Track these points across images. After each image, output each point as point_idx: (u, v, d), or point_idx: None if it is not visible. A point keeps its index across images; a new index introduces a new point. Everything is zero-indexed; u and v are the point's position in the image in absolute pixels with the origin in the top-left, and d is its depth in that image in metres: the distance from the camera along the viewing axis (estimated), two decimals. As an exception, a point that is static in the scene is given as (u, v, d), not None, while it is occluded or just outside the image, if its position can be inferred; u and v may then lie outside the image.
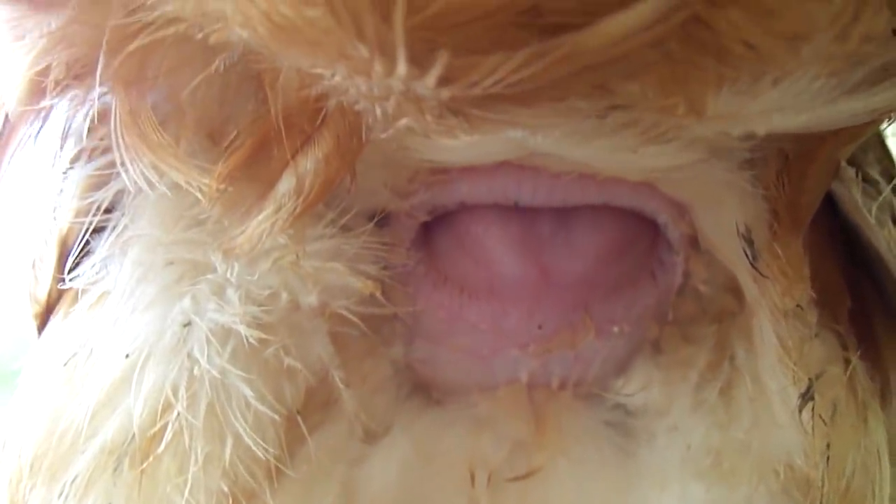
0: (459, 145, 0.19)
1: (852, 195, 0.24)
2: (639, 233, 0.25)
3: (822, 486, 0.22)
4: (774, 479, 0.23)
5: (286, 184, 0.20)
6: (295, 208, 0.20)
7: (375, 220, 0.23)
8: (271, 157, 0.20)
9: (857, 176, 0.24)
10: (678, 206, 0.24)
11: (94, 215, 0.23)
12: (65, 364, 0.24)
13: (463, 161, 0.22)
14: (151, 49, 0.20)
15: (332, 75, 0.18)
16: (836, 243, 0.25)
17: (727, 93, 0.18)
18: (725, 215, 0.23)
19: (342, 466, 0.25)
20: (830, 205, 0.25)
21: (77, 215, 0.24)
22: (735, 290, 0.25)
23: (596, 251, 0.24)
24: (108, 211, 0.24)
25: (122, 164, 0.21)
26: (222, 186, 0.20)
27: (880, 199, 0.24)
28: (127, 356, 0.23)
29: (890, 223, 0.25)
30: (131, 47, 0.19)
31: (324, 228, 0.23)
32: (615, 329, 0.25)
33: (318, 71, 0.18)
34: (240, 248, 0.21)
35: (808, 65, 0.18)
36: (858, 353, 0.24)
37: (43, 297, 0.26)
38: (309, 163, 0.20)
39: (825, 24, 0.17)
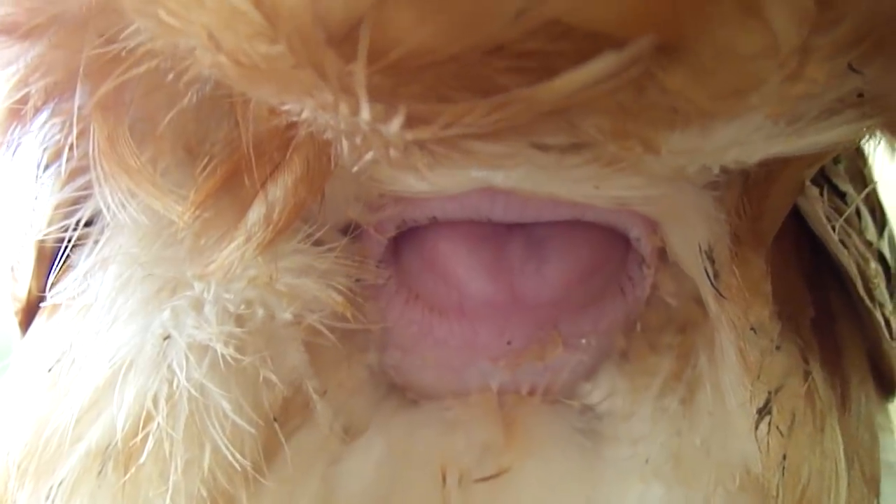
0: (425, 178, 0.20)
1: (817, 213, 0.24)
2: (610, 251, 0.25)
3: (778, 495, 0.23)
4: (731, 482, 0.24)
5: (256, 213, 0.21)
6: (264, 238, 0.20)
7: (349, 234, 0.24)
8: (242, 186, 0.21)
9: (822, 192, 0.24)
10: (650, 222, 0.24)
11: (74, 230, 0.24)
12: (49, 370, 0.24)
13: (429, 192, 0.22)
14: (132, 76, 0.20)
15: (301, 111, 0.19)
16: (802, 250, 0.26)
17: (680, 133, 0.18)
18: (691, 233, 0.24)
19: (321, 465, 0.25)
20: (797, 212, 0.25)
21: (53, 222, 0.24)
22: (701, 301, 0.25)
23: (567, 276, 0.25)
24: (88, 224, 0.24)
25: (100, 188, 0.21)
26: (196, 213, 0.21)
27: (847, 212, 0.24)
28: (110, 364, 0.23)
29: (855, 236, 0.25)
30: (108, 83, 0.19)
31: (298, 243, 0.23)
32: (583, 341, 0.26)
33: (287, 107, 0.19)
34: (213, 275, 0.21)
35: (757, 108, 0.18)
36: (819, 362, 0.24)
37: (23, 295, 0.27)
38: (278, 190, 0.20)
39: (771, 75, 0.17)
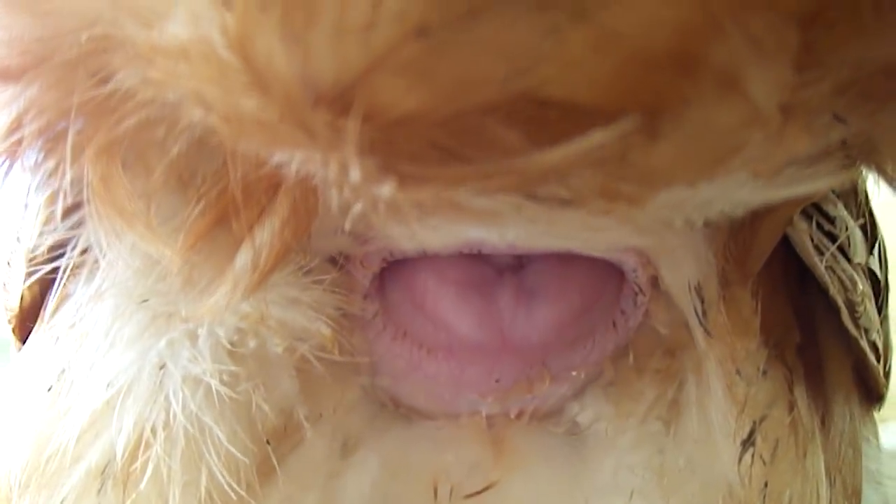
0: (414, 235, 0.20)
1: (804, 243, 0.24)
2: (603, 288, 0.26)
3: (759, 522, 0.24)
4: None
5: (243, 258, 0.21)
6: (251, 282, 0.21)
7: (337, 266, 0.24)
8: (231, 229, 0.21)
9: (811, 223, 0.24)
10: (643, 254, 0.25)
11: (70, 258, 0.24)
12: (49, 389, 0.25)
13: (417, 247, 0.23)
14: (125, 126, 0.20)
15: (289, 162, 0.19)
16: (790, 273, 0.26)
17: (665, 192, 0.18)
18: (681, 271, 0.24)
19: (321, 480, 0.26)
20: (785, 237, 0.25)
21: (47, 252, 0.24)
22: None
23: (557, 319, 0.25)
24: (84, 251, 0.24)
25: (94, 228, 0.21)
26: (186, 257, 0.21)
27: (839, 241, 0.25)
28: (108, 388, 0.24)
29: (843, 260, 0.25)
30: (102, 132, 0.20)
31: (287, 275, 0.23)
32: (573, 374, 0.26)
33: (275, 159, 0.19)
34: (203, 318, 0.22)
35: (740, 169, 0.18)
36: (804, 386, 0.25)
37: (14, 305, 0.27)
38: (265, 234, 0.21)
39: (752, 139, 0.17)
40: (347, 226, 0.19)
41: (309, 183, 0.20)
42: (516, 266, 0.26)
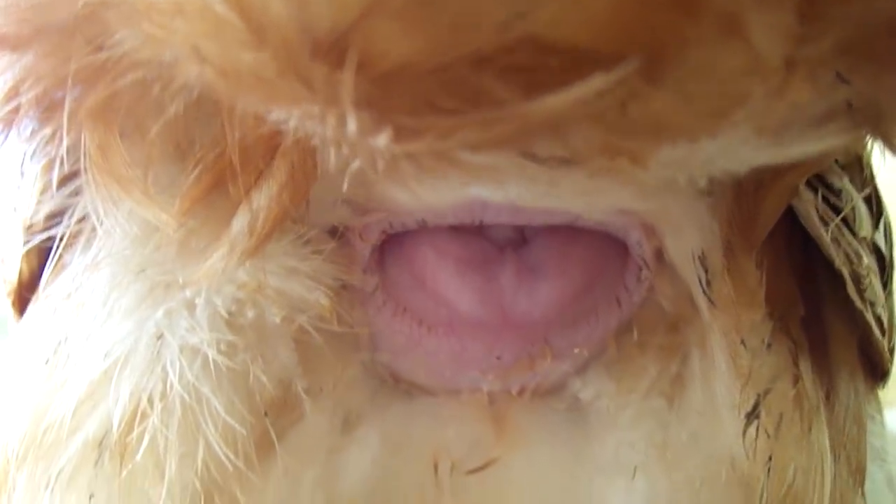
0: (413, 192, 0.20)
1: (810, 214, 0.24)
2: (606, 265, 0.25)
3: (763, 495, 0.23)
4: (717, 478, 0.25)
5: (240, 222, 0.21)
6: (248, 247, 0.20)
7: (336, 237, 0.24)
8: (227, 193, 0.21)
9: (816, 192, 0.24)
10: (647, 225, 0.24)
11: (67, 226, 0.24)
12: (46, 362, 0.25)
13: (417, 207, 0.22)
14: (119, 87, 0.20)
15: (287, 119, 0.19)
16: (794, 246, 0.26)
17: (667, 148, 0.18)
18: (685, 240, 0.23)
19: (322, 455, 0.26)
20: (790, 208, 0.25)
21: (45, 220, 0.24)
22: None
23: (559, 296, 0.25)
24: (80, 219, 0.24)
25: (90, 196, 0.21)
26: (182, 222, 0.21)
27: (843, 212, 0.24)
28: (105, 358, 0.24)
29: (848, 234, 0.25)
30: (97, 93, 0.19)
31: (286, 245, 0.23)
32: (575, 351, 0.26)
33: (273, 116, 0.19)
34: (200, 283, 0.21)
35: (743, 123, 0.18)
36: (808, 360, 0.25)
37: (13, 278, 0.27)
38: (262, 198, 0.20)
39: (754, 91, 0.17)
40: (346, 186, 0.19)
41: (307, 145, 0.20)
42: (518, 243, 0.26)
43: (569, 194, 0.21)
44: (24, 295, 0.27)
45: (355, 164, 0.19)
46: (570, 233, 0.25)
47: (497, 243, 0.26)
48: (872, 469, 0.29)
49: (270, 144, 0.20)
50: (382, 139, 0.17)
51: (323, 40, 0.16)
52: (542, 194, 0.21)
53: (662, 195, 0.22)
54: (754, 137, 0.18)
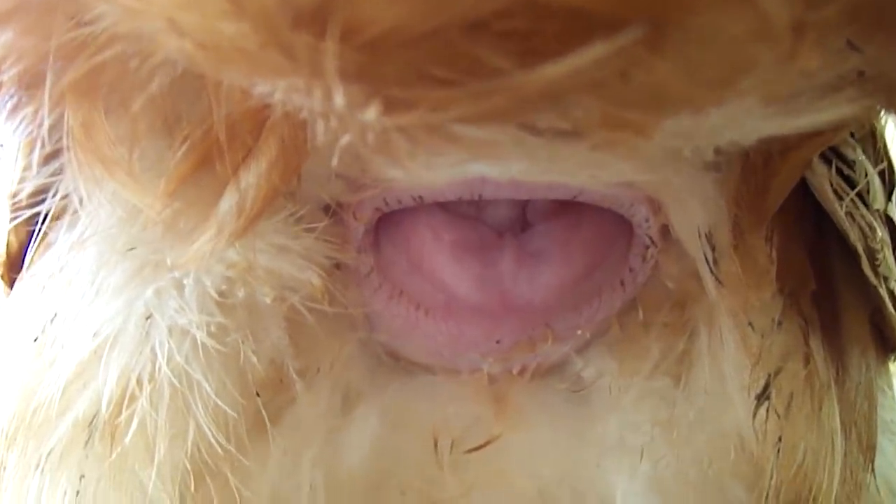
0: (407, 170, 0.19)
1: (824, 188, 0.23)
2: (610, 249, 0.25)
3: (772, 476, 0.23)
4: (726, 456, 0.24)
5: (228, 202, 0.20)
6: (237, 228, 0.20)
7: (329, 215, 0.23)
8: (214, 172, 0.20)
9: (830, 167, 0.23)
10: (654, 200, 0.23)
11: (51, 203, 0.23)
12: (35, 340, 0.24)
13: (413, 184, 0.21)
14: (99, 62, 0.19)
15: (272, 92, 0.18)
16: (806, 220, 0.25)
17: (671, 118, 0.17)
18: (691, 215, 0.23)
19: (321, 434, 0.25)
20: (802, 181, 0.24)
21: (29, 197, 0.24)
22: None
23: (560, 281, 0.24)
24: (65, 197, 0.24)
25: (73, 177, 0.20)
26: (167, 203, 0.20)
27: (858, 187, 0.23)
28: (94, 338, 0.23)
29: (862, 206, 0.24)
30: (77, 69, 0.19)
31: (278, 223, 0.22)
32: (578, 333, 0.25)
33: (258, 89, 0.18)
34: (187, 266, 0.21)
35: (749, 92, 0.17)
36: (819, 337, 0.24)
37: (1, 250, 0.26)
38: (251, 176, 0.20)
39: (762, 58, 0.16)
40: (335, 162, 0.18)
41: (296, 119, 0.19)
42: (518, 228, 0.25)
43: (571, 168, 0.20)
44: (13, 269, 0.27)
45: (345, 139, 0.18)
46: (572, 217, 0.24)
47: (496, 228, 0.25)
48: (883, 442, 0.28)
49: (258, 119, 0.19)
50: (371, 112, 0.16)
51: (305, 8, 0.16)
52: (543, 169, 0.20)
53: (667, 168, 0.21)
54: (761, 107, 0.17)
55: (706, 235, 0.22)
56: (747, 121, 0.18)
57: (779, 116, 0.18)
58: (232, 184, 0.20)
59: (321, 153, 0.21)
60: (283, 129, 0.19)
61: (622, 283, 0.25)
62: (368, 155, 0.19)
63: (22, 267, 0.26)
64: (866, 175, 0.24)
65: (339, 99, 0.16)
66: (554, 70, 0.15)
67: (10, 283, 0.27)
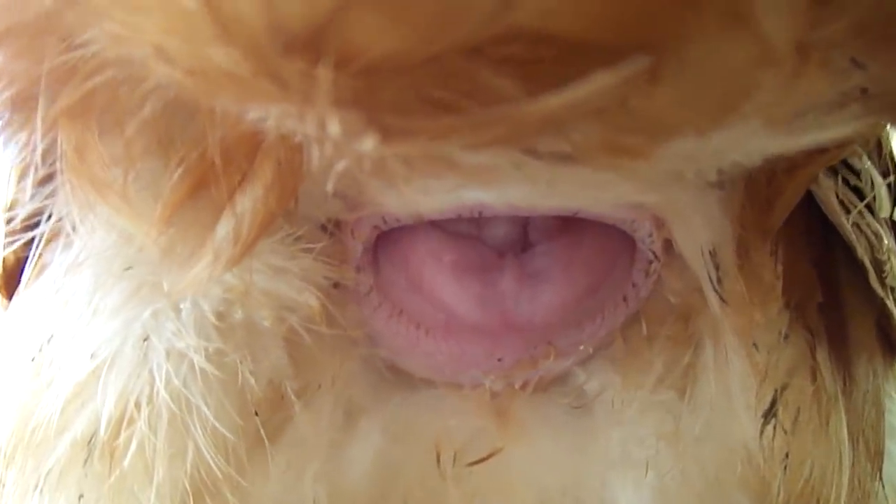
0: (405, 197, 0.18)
1: (830, 201, 0.23)
2: (612, 266, 0.24)
3: (779, 493, 0.23)
4: (732, 470, 0.24)
5: (224, 228, 0.20)
6: (233, 255, 0.19)
7: (328, 233, 0.23)
8: (210, 197, 0.19)
9: (836, 178, 0.23)
10: (656, 217, 0.23)
11: (45, 226, 0.23)
12: (32, 360, 0.24)
13: (409, 210, 0.21)
14: (91, 86, 0.19)
15: (265, 118, 0.17)
16: (813, 231, 0.24)
17: (672, 142, 0.17)
18: (694, 232, 0.22)
19: (323, 449, 0.25)
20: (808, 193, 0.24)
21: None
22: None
23: (562, 300, 0.24)
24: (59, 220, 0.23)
25: (66, 202, 0.20)
26: (162, 229, 0.20)
27: (867, 198, 0.23)
28: (92, 359, 0.23)
29: (868, 216, 0.24)
30: (70, 94, 0.18)
31: (275, 243, 0.22)
32: (580, 348, 0.25)
33: (251, 115, 0.17)
34: (184, 293, 0.20)
35: (753, 115, 0.16)
36: (826, 349, 0.23)
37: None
38: (247, 201, 0.19)
39: (765, 81, 0.16)
40: (330, 187, 0.18)
41: (293, 142, 0.19)
42: (519, 248, 0.25)
43: (571, 191, 0.20)
44: (11, 282, 0.26)
45: (341, 165, 0.18)
46: (574, 236, 0.24)
47: (497, 248, 0.24)
48: (890, 447, 0.28)
49: (253, 142, 0.19)
50: (368, 141, 0.16)
51: (297, 37, 0.15)
52: (543, 194, 0.19)
53: (669, 187, 0.21)
54: (765, 128, 0.17)
55: (710, 253, 0.22)
56: (750, 142, 0.18)
57: (782, 137, 0.18)
58: (228, 209, 0.19)
59: (318, 175, 0.20)
60: (278, 152, 0.19)
61: (625, 299, 0.25)
62: (364, 179, 0.19)
63: (19, 279, 0.26)
64: (872, 185, 0.24)
65: (333, 127, 0.16)
66: (554, 100, 0.15)
67: (9, 295, 0.27)
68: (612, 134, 0.16)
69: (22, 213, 0.23)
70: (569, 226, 0.24)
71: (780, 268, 0.22)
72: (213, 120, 0.19)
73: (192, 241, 0.20)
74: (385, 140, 0.16)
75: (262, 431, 0.23)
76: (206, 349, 0.22)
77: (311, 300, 0.22)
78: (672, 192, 0.21)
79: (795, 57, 0.15)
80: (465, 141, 0.16)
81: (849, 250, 0.24)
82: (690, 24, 0.14)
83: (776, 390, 0.22)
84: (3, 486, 0.24)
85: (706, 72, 0.15)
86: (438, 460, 0.25)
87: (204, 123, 0.19)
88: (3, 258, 0.26)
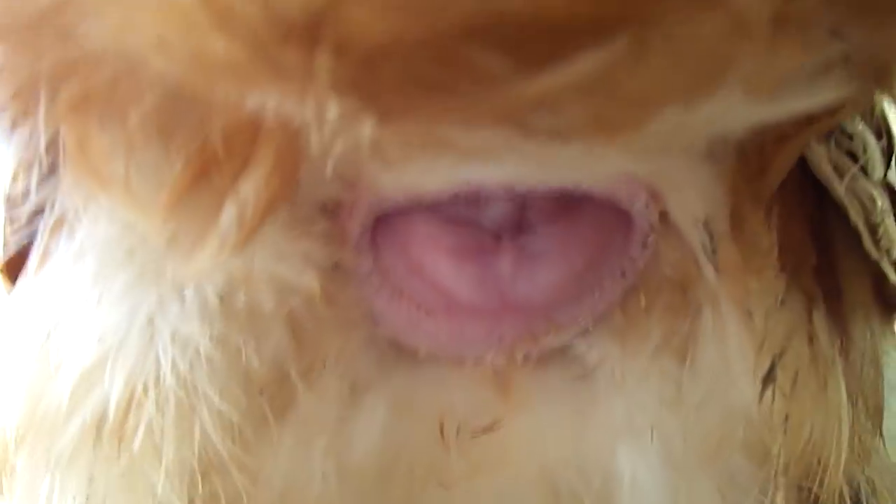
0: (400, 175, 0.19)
1: (822, 166, 0.23)
2: (609, 243, 0.24)
3: (780, 455, 0.23)
4: (734, 435, 0.24)
5: (228, 214, 0.20)
6: (239, 240, 0.20)
7: (329, 216, 0.23)
8: (212, 185, 0.20)
9: (829, 144, 0.23)
10: (651, 188, 0.23)
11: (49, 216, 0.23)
12: (39, 346, 0.24)
13: (406, 190, 0.21)
14: (91, 80, 0.19)
15: (264, 104, 0.17)
16: (806, 194, 0.25)
17: (661, 113, 0.17)
18: (688, 205, 0.23)
19: (330, 425, 0.26)
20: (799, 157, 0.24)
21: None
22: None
23: (561, 279, 0.24)
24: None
25: (68, 196, 0.20)
26: (167, 218, 0.20)
27: (860, 161, 0.23)
28: (98, 343, 0.23)
29: (862, 178, 0.24)
30: (71, 88, 0.18)
31: (276, 226, 0.22)
32: (580, 322, 0.25)
33: (250, 103, 0.17)
34: (190, 280, 0.21)
35: (735, 85, 0.17)
36: (822, 310, 0.24)
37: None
38: (250, 186, 0.19)
39: (741, 53, 0.16)
40: (329, 169, 0.18)
41: (292, 127, 0.19)
42: (516, 230, 0.25)
43: (566, 166, 0.20)
44: (15, 266, 0.27)
45: (338, 147, 0.18)
46: (571, 216, 0.24)
47: (495, 230, 0.25)
48: (890, 401, 0.28)
49: (254, 129, 0.19)
50: (367, 123, 0.16)
51: (295, 23, 0.15)
52: (538, 170, 0.20)
53: (662, 158, 0.21)
54: (748, 97, 0.17)
55: (703, 224, 0.22)
56: (736, 111, 0.18)
57: (767, 105, 0.18)
58: (231, 195, 0.20)
59: (317, 158, 0.21)
60: (278, 138, 0.19)
61: (623, 273, 0.25)
62: (362, 161, 0.19)
63: (23, 263, 0.26)
64: (865, 148, 0.24)
65: (332, 111, 0.16)
66: (544, 81, 0.15)
67: (13, 278, 0.27)
68: (602, 109, 0.17)
69: (26, 204, 0.23)
70: (565, 206, 0.24)
71: (774, 234, 0.23)
72: (213, 109, 0.19)
73: (196, 229, 0.20)
74: (383, 121, 0.16)
75: (268, 411, 0.24)
76: (210, 333, 0.22)
77: (311, 282, 0.23)
78: (665, 163, 0.22)
79: (771, 30, 0.16)
80: (461, 120, 0.16)
81: (843, 211, 0.25)
82: (665, 3, 0.15)
83: (774, 355, 0.23)
84: (14, 470, 0.25)
85: (685, 46, 0.15)
86: (442, 432, 0.26)
87: (204, 113, 0.20)
88: (4, 244, 0.26)
